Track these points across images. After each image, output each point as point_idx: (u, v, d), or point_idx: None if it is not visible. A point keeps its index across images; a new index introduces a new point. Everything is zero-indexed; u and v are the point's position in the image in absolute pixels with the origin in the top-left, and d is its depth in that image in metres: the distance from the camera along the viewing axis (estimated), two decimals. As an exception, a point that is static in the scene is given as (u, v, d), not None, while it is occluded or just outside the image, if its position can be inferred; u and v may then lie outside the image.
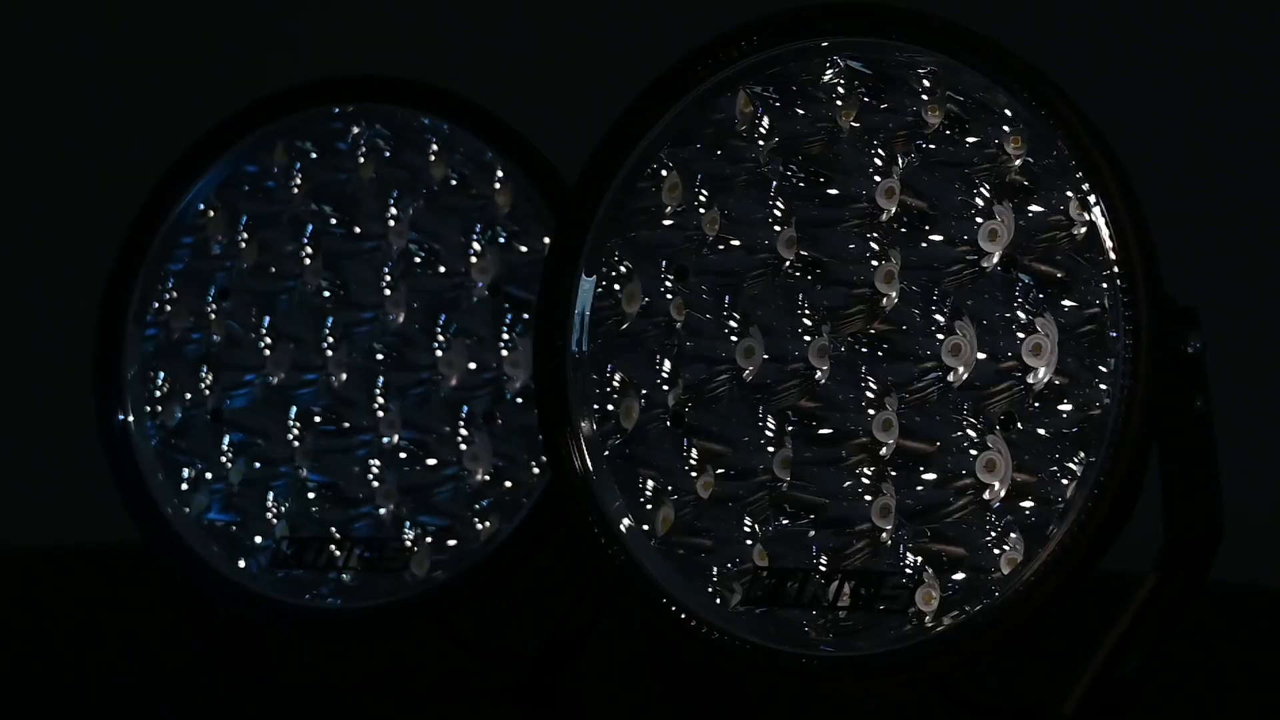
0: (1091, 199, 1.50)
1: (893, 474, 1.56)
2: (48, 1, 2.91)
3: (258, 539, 1.82)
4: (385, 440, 1.81)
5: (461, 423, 1.80)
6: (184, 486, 1.84)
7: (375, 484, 1.81)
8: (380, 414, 1.82)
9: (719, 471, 1.61)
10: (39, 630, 2.13)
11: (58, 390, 2.33)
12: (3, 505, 2.79)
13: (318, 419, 1.83)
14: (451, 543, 1.78)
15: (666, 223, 1.63)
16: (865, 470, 1.57)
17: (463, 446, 1.79)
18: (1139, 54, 2.66)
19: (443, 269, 1.81)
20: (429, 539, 1.79)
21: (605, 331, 1.64)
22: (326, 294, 1.84)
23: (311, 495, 1.82)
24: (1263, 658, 1.95)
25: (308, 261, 1.84)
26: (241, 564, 1.81)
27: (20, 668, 1.93)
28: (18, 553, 2.59)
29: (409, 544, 1.79)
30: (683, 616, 1.59)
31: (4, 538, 2.66)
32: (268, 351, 1.85)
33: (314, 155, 1.84)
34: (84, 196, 2.53)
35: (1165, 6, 2.66)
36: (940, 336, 1.55)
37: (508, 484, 1.78)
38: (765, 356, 1.60)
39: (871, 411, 1.57)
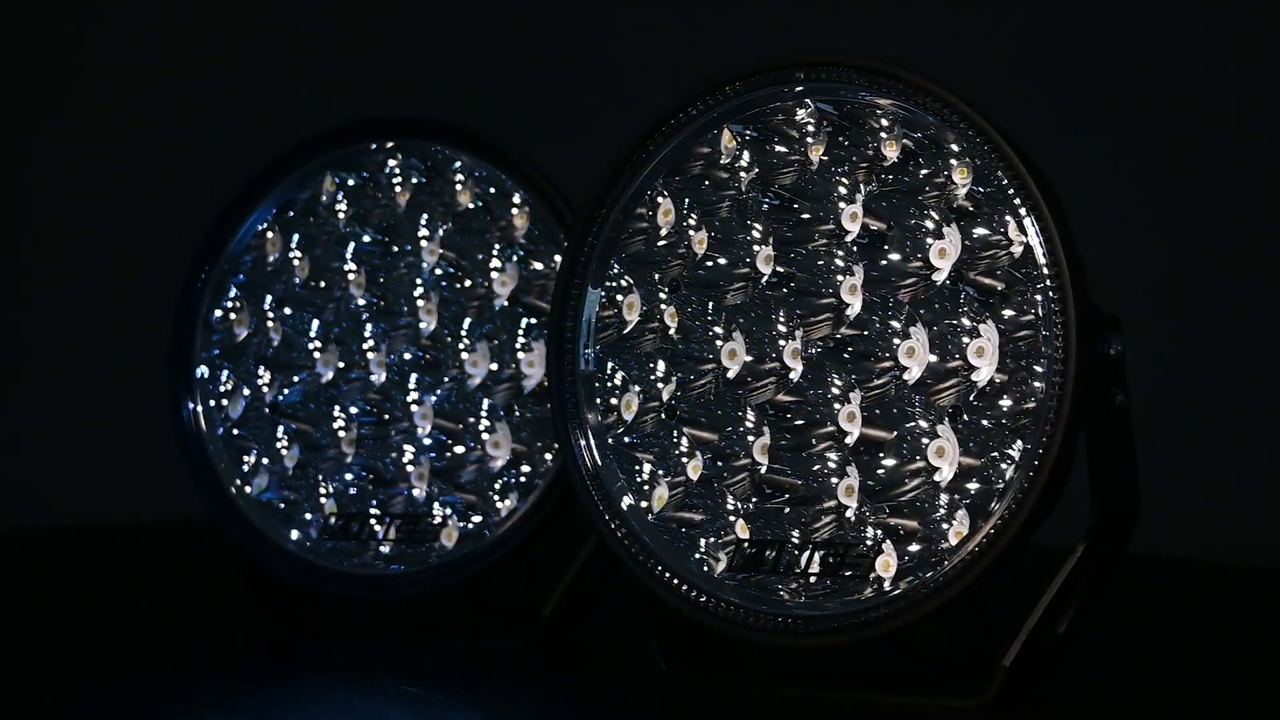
0: (1027, 222, 1.50)
1: (856, 459, 1.56)
2: (138, 52, 2.92)
3: (308, 515, 1.82)
4: (418, 430, 1.81)
5: (484, 415, 1.79)
6: (245, 469, 1.84)
7: (409, 468, 1.81)
8: (414, 407, 1.81)
9: (706, 457, 1.61)
10: (124, 594, 2.13)
11: (138, 386, 2.33)
12: (92, 486, 2.79)
13: (360, 411, 1.83)
14: (476, 519, 1.78)
15: (661, 243, 1.63)
16: (832, 455, 1.57)
17: (485, 436, 1.79)
18: (1073, 90, 2.66)
19: (468, 282, 1.81)
20: (456, 515, 1.79)
21: (609, 336, 1.64)
22: (367, 304, 1.84)
23: (355, 477, 1.82)
24: (1176, 620, 1.95)
25: (351, 276, 1.84)
26: (295, 536, 1.81)
27: (107, 627, 1.93)
28: (105, 529, 2.59)
29: (439, 520, 1.79)
30: (675, 582, 1.59)
31: (94, 515, 2.66)
32: (317, 353, 1.85)
33: (357, 184, 1.84)
34: (162, 221, 2.54)
35: (1094, 45, 2.66)
36: (897, 340, 1.55)
37: (525, 468, 1.78)
38: (746, 358, 1.61)
39: (838, 405, 1.57)
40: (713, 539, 1.60)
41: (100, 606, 2.05)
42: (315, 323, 1.85)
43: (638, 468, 1.62)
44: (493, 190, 1.80)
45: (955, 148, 1.53)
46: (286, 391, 1.85)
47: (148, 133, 2.92)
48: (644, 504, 1.62)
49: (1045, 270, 1.49)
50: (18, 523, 2.62)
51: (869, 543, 1.55)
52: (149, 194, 2.89)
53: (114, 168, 2.92)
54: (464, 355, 1.81)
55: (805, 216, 1.59)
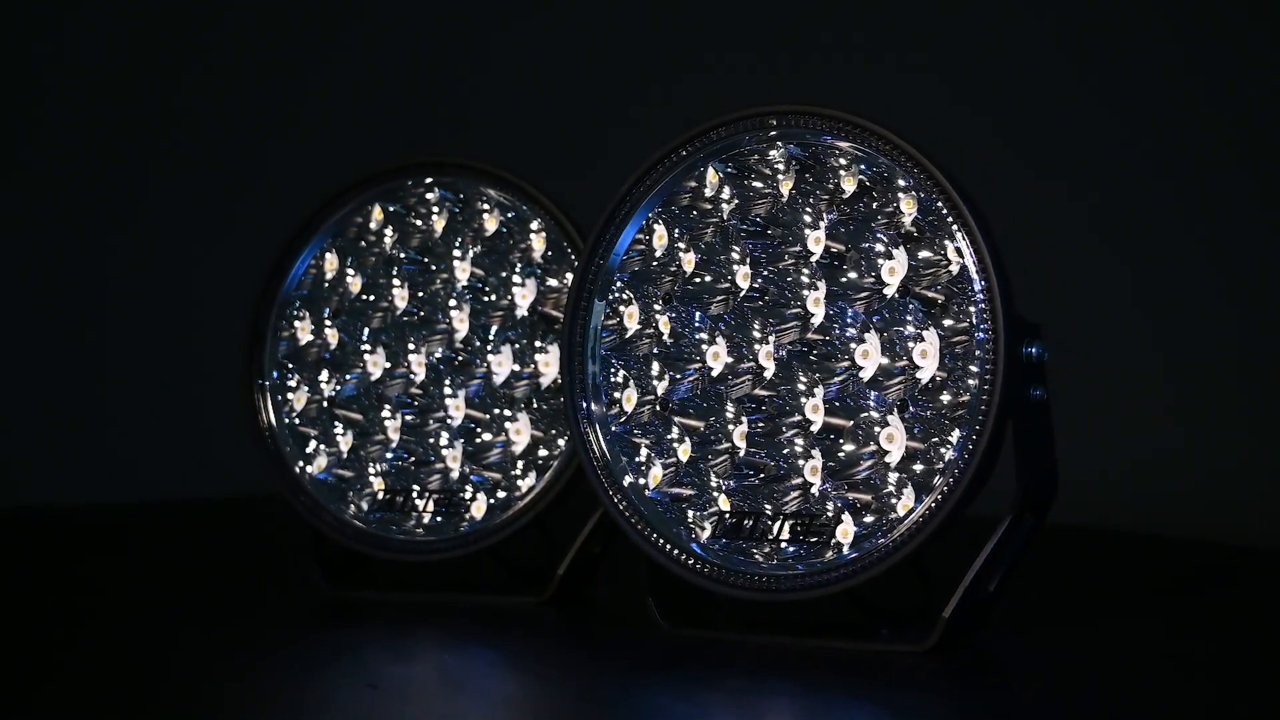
0: (964, 246, 1.51)
1: (819, 443, 1.57)
2: (219, 99, 2.92)
3: (360, 491, 1.83)
4: (452, 420, 1.82)
5: (508, 407, 1.81)
6: (307, 453, 1.84)
7: (445, 451, 1.81)
8: (449, 400, 1.82)
9: (694, 442, 1.62)
10: (206, 559, 2.13)
11: (217, 384, 2.34)
12: (178, 467, 2.79)
13: (403, 404, 1.84)
14: (501, 494, 1.79)
15: (655, 263, 1.64)
16: (799, 440, 1.58)
17: (509, 424, 1.80)
18: (1009, 125, 2.66)
19: (494, 296, 1.81)
20: (484, 491, 1.79)
21: (612, 341, 1.65)
22: (409, 313, 1.84)
23: (399, 459, 1.83)
24: (1089, 578, 1.95)
25: (396, 290, 1.85)
26: (350, 509, 1.83)
27: (190, 587, 1.94)
28: (189, 502, 2.59)
29: (470, 495, 1.80)
30: (668, 547, 1.60)
31: (180, 492, 2.67)
32: (367, 355, 1.85)
33: (400, 213, 1.85)
34: (240, 246, 2.54)
35: (1022, 83, 2.65)
36: (854, 344, 1.56)
37: (542, 451, 1.78)
38: (727, 359, 1.61)
39: (804, 398, 1.58)
40: (699, 511, 1.61)
41: (186, 568, 2.06)
42: (366, 329, 1.85)
43: (636, 451, 1.64)
44: (514, 218, 1.81)
45: (903, 183, 1.54)
46: (341, 387, 1.85)
47: (234, 172, 2.93)
48: (641, 481, 1.63)
49: (978, 286, 1.50)
50: (119, 499, 2.63)
51: (830, 514, 1.56)
52: (232, 223, 2.90)
53: (205, 203, 2.93)
54: (490, 357, 1.81)
55: (777, 240, 1.60)
